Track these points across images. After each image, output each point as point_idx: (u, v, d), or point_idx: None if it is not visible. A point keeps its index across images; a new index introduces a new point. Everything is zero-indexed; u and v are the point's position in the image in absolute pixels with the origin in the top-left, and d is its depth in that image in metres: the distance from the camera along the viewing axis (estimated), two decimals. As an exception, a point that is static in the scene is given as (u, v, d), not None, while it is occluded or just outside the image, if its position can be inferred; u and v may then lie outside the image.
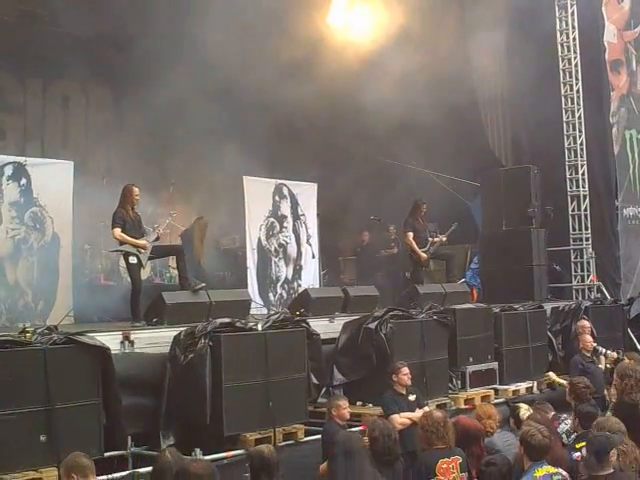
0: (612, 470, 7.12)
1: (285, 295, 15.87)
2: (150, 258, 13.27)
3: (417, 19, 16.66)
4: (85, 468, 6.57)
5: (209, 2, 15.88)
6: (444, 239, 16.97)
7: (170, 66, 17.58)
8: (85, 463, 6.63)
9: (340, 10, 18.80)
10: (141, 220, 13.11)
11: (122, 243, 12.61)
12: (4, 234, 14.19)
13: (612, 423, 7.88)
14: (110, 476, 8.22)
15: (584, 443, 8.48)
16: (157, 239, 13.07)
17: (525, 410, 9.69)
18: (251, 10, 16.02)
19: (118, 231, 12.56)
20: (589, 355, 13.86)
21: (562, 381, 12.42)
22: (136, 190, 12.91)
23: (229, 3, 15.61)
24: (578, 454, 8.43)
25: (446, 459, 7.90)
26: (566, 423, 9.45)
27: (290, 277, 17.84)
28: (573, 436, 9.11)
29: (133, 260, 12.50)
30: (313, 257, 17.70)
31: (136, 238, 12.62)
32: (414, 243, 16.62)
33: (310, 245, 17.65)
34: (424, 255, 16.65)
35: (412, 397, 10.80)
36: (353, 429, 10.07)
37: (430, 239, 16.82)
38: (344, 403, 9.95)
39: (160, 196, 17.87)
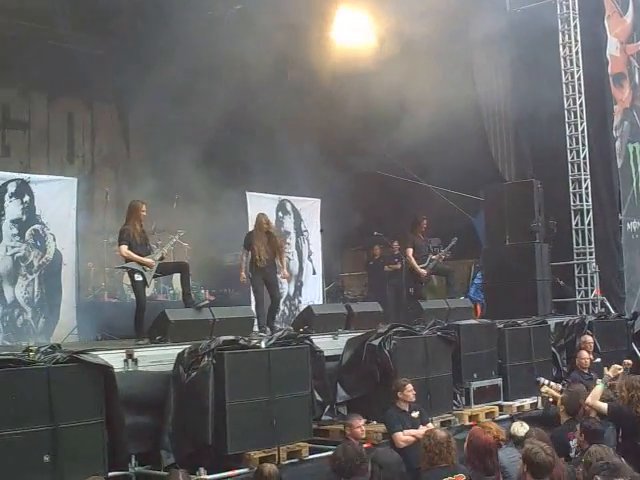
0: None
1: (287, 312, 15.86)
2: (156, 276, 13.28)
3: (421, 33, 16.65)
4: None
5: (215, 21, 15.98)
6: (443, 256, 17.12)
7: (175, 83, 17.68)
8: None
9: (342, 22, 18.85)
10: (148, 237, 13.07)
11: (128, 260, 12.57)
12: (3, 252, 14.23)
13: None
14: (114, 495, 8.19)
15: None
16: (162, 259, 13.05)
17: (519, 426, 9.71)
18: (256, 29, 16.07)
19: (125, 248, 12.50)
20: (586, 372, 13.84)
21: (555, 393, 12.30)
22: (143, 206, 12.83)
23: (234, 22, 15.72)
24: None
25: (450, 477, 7.88)
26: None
27: (292, 294, 17.86)
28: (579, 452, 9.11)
29: (138, 278, 12.45)
30: (314, 273, 17.68)
31: (142, 256, 12.57)
32: (413, 259, 16.74)
33: (311, 261, 17.64)
34: (423, 271, 16.76)
35: (415, 414, 10.80)
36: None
37: (430, 255, 16.86)
38: (356, 422, 10.01)
39: (164, 212, 17.90)
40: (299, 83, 19.99)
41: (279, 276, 14.95)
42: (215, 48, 15.55)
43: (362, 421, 10.13)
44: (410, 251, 16.87)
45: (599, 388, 10.41)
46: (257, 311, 14.13)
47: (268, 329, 13.43)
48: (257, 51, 16.74)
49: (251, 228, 15.78)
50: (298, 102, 19.81)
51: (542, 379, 12.83)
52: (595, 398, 10.18)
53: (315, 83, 19.32)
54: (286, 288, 17.24)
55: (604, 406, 10.03)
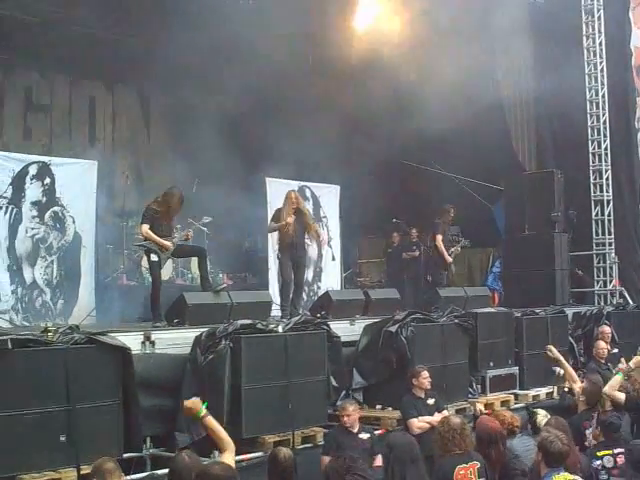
0: None
1: (305, 297, 15.87)
2: (172, 257, 13.28)
3: (444, 21, 16.60)
4: (105, 473, 6.55)
5: (236, 5, 15.95)
6: (459, 249, 17.75)
7: (196, 68, 17.71)
8: (106, 467, 6.59)
9: (364, 12, 18.77)
10: (173, 228, 13.07)
11: (147, 239, 12.57)
12: (23, 233, 14.31)
13: None
14: (128, 478, 8.18)
15: (607, 452, 8.53)
16: (187, 240, 13.10)
17: (543, 417, 9.66)
18: (277, 12, 16.05)
19: (146, 227, 12.49)
20: (604, 362, 13.79)
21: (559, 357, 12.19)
22: (177, 199, 12.75)
23: (256, 6, 15.71)
24: (599, 462, 8.44)
25: (464, 465, 7.84)
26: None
27: (310, 279, 17.89)
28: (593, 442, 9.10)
29: (154, 258, 12.46)
30: (333, 259, 17.67)
31: (163, 237, 12.52)
32: (442, 245, 16.97)
33: (331, 247, 17.66)
34: (449, 258, 17.16)
35: (431, 401, 10.77)
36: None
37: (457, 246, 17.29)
38: (347, 408, 9.78)
39: (184, 195, 17.94)
40: (321, 68, 19.95)
41: (319, 241, 15.08)
42: (237, 32, 15.48)
43: (353, 406, 9.95)
44: (440, 237, 17.25)
45: (618, 378, 10.37)
46: (282, 293, 14.11)
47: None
48: (279, 35, 16.76)
49: (270, 213, 15.82)
50: (320, 88, 19.80)
51: (558, 369, 12.78)
52: (613, 388, 10.15)
53: (337, 69, 19.28)
54: (305, 274, 17.22)
55: (622, 396, 10.01)
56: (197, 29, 15.06)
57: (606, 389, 10.15)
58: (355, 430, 9.70)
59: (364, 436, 9.72)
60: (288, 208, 13.97)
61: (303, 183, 18.18)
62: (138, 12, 18.07)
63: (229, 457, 6.82)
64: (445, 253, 17.20)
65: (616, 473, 8.51)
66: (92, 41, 18.17)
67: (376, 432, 10.35)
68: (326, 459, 9.06)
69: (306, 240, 14.57)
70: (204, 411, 6.91)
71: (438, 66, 16.48)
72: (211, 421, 6.93)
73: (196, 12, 15.25)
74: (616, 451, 8.62)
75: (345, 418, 9.64)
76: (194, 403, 6.96)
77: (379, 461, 9.14)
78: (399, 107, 18.76)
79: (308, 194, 18.30)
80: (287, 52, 17.59)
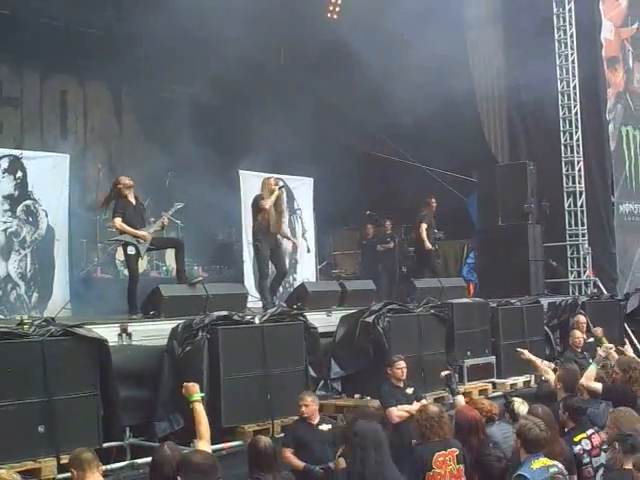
0: None
1: (281, 289, 15.82)
2: (149, 249, 13.22)
3: (415, 13, 16.59)
4: (82, 462, 6.55)
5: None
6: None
7: (168, 60, 17.62)
8: (84, 457, 6.59)
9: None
10: (144, 210, 13.01)
11: (122, 233, 12.50)
12: (-4, 227, 14.23)
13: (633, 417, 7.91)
14: (109, 467, 8.22)
15: (582, 435, 8.57)
16: (162, 228, 13.05)
17: (519, 404, 9.69)
18: (248, 2, 15.98)
19: (119, 221, 12.43)
20: (580, 351, 13.85)
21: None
22: (124, 179, 12.74)
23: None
24: (579, 447, 8.47)
25: (442, 452, 7.90)
26: None
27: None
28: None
29: (131, 251, 12.38)
30: (308, 251, 17.71)
31: (137, 228, 12.50)
32: (425, 234, 17.48)
33: (305, 239, 17.64)
34: (430, 246, 17.62)
35: (410, 390, 10.74)
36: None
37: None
38: (306, 399, 9.43)
39: (157, 189, 17.89)
40: (293, 61, 19.94)
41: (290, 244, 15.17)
42: (208, 25, 15.47)
43: (312, 397, 9.79)
44: (424, 226, 17.60)
45: (593, 369, 10.42)
46: (260, 284, 13.95)
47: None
48: (251, 29, 16.68)
49: (244, 206, 15.77)
50: (291, 81, 19.79)
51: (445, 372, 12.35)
52: (589, 379, 10.19)
53: (310, 60, 19.28)
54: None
55: (598, 386, 10.06)
56: (168, 20, 14.98)
57: (582, 380, 10.18)
58: (315, 422, 9.44)
59: (324, 427, 9.47)
60: (267, 194, 13.87)
61: (276, 176, 18.11)
62: (108, 4, 18.00)
63: (205, 445, 7.18)
64: (426, 241, 17.47)
65: (595, 453, 8.57)
66: (62, 34, 18.06)
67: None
68: (287, 452, 9.07)
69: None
70: (199, 397, 7.46)
71: (411, 57, 16.46)
72: (200, 408, 7.40)
73: (167, 3, 15.16)
74: (589, 432, 8.68)
75: (303, 408, 9.34)
76: (194, 386, 7.55)
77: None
78: (372, 99, 18.79)
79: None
80: (259, 43, 17.56)
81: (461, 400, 10.06)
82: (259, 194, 14.07)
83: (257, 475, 7.35)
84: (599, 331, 14.22)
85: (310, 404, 9.41)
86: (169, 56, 17.40)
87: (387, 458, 7.43)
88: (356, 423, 7.90)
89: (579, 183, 20.25)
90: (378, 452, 7.37)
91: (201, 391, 7.70)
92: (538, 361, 11.88)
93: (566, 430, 8.90)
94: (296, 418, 9.52)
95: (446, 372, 10.89)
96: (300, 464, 8.90)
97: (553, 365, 12.69)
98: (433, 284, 15.98)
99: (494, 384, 13.51)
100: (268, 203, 13.70)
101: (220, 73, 16.84)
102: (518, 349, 12.13)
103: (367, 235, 21.24)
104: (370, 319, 11.92)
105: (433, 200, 17.97)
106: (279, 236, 14.16)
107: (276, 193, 13.88)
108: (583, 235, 20.12)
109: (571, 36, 20.45)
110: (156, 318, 11.43)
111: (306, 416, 9.34)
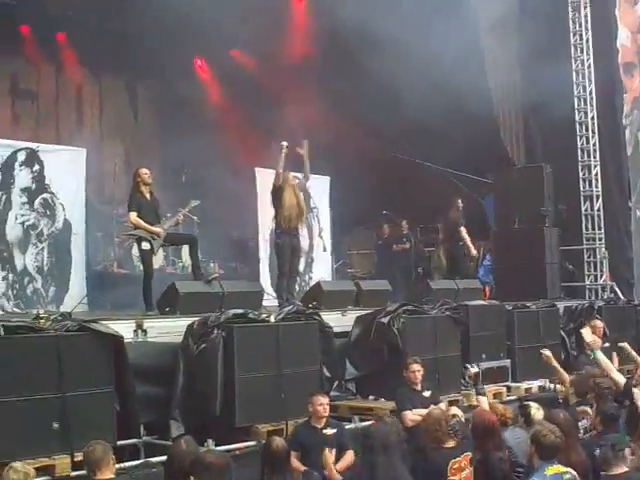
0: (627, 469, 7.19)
1: (297, 288, 15.80)
2: (164, 245, 13.19)
3: (432, 15, 16.55)
4: (93, 463, 6.60)
5: None
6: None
7: (184, 56, 17.60)
8: (96, 456, 6.64)
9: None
10: (159, 206, 12.92)
11: (137, 228, 12.46)
12: (13, 220, 14.22)
13: None
14: (122, 465, 8.12)
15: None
16: (177, 225, 12.99)
17: (535, 409, 9.62)
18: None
19: (134, 215, 12.38)
20: None
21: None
22: (144, 170, 12.63)
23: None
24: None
25: (457, 458, 7.86)
26: (588, 419, 9.39)
27: (302, 270, 17.81)
28: (589, 434, 9.07)
29: (146, 246, 12.33)
30: (324, 250, 17.67)
31: (151, 224, 12.44)
32: (469, 239, 17.69)
33: (322, 238, 17.60)
34: (474, 251, 17.97)
35: (427, 393, 10.65)
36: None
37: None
38: (317, 399, 9.38)
39: (173, 185, 17.86)
40: (312, 61, 19.88)
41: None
42: (225, 22, 15.45)
43: (325, 399, 9.65)
44: (464, 230, 17.62)
45: (601, 357, 10.48)
46: (279, 282, 13.90)
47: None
48: (269, 27, 16.68)
49: (260, 203, 15.72)
50: (309, 79, 19.73)
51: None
52: (612, 370, 10.20)
53: (327, 62, 19.23)
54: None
55: (622, 380, 10.03)
56: (184, 20, 14.98)
57: (609, 374, 10.12)
58: (320, 425, 9.32)
59: (329, 432, 9.31)
60: (287, 188, 13.84)
61: (293, 174, 18.06)
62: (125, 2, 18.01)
63: None
64: (471, 246, 17.60)
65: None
66: (79, 29, 18.05)
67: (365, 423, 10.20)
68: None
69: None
70: None
71: (427, 60, 16.39)
72: None
73: (183, 4, 15.15)
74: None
75: (320, 408, 9.25)
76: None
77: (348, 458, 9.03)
78: (390, 100, 18.72)
79: (298, 185, 18.21)
80: (277, 41, 17.52)
81: (484, 401, 10.00)
82: (277, 186, 14.05)
83: (270, 476, 7.33)
84: (626, 345, 13.95)
85: (326, 405, 9.37)
86: (186, 53, 17.39)
87: (398, 462, 7.38)
88: (371, 425, 7.88)
89: (596, 187, 20.21)
90: (388, 455, 7.32)
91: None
92: (559, 367, 11.84)
93: (587, 436, 8.87)
94: (305, 419, 9.49)
95: (475, 370, 10.84)
96: (300, 467, 8.84)
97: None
98: (449, 285, 15.94)
99: (509, 388, 13.39)
100: (280, 166, 13.72)
101: (238, 70, 16.82)
102: (542, 350, 12.07)
103: (383, 235, 21.21)
104: (385, 320, 11.85)
105: (459, 201, 17.93)
106: (299, 227, 14.12)
107: (284, 151, 13.87)
108: (600, 239, 20.06)
109: (587, 41, 20.46)
110: (172, 315, 11.41)
111: (320, 416, 9.29)
